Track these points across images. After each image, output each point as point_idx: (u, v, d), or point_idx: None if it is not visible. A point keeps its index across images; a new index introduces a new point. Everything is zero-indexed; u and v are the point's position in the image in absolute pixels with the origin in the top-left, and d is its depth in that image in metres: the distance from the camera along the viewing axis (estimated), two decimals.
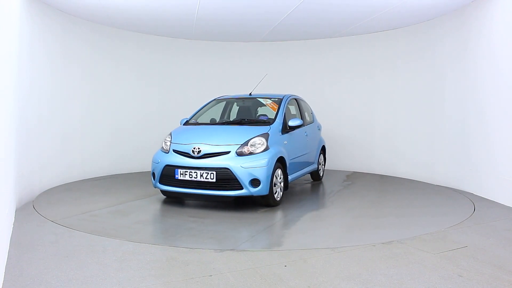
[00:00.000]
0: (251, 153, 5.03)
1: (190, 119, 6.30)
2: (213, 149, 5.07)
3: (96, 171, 7.61)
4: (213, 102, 6.73)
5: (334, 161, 8.75)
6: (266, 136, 5.24)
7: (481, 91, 6.01)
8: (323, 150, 7.49)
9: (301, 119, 6.49)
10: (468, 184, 6.37)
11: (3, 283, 2.84)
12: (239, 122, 5.98)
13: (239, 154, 5.01)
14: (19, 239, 3.87)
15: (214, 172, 4.93)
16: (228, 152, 5.02)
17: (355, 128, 8.62)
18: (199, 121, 6.26)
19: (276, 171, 5.23)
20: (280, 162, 5.40)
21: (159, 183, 5.35)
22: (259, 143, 5.12)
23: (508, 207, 5.33)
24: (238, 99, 6.69)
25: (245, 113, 6.48)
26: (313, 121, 7.17)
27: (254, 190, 4.92)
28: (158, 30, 8.13)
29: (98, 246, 3.68)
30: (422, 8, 6.53)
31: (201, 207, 5.38)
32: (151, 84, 8.57)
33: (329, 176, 7.94)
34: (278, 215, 4.97)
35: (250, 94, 6.64)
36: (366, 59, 8.43)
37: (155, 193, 6.11)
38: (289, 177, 5.71)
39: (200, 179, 4.99)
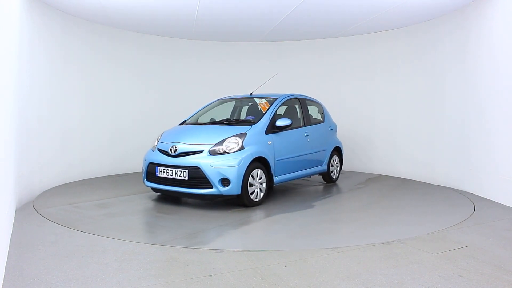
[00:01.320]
0: (225, 153, 5.08)
1: (188, 119, 6.39)
2: (188, 148, 5.21)
3: (96, 171, 7.62)
4: (216, 102, 6.74)
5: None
6: (242, 136, 5.26)
7: (481, 91, 6.01)
8: (337, 151, 7.30)
9: (303, 119, 6.47)
10: (468, 184, 6.37)
11: (3, 283, 2.84)
12: (226, 122, 5.99)
13: (212, 153, 5.09)
14: (19, 239, 3.86)
15: (187, 170, 5.06)
16: (201, 151, 5.12)
17: (356, 127, 8.62)
18: (199, 121, 6.30)
19: (255, 171, 5.24)
20: (262, 162, 5.40)
21: (146, 179, 5.58)
22: (234, 143, 5.17)
23: (508, 207, 5.33)
24: (237, 99, 6.70)
25: (253, 113, 6.48)
26: (323, 121, 7.04)
27: (224, 189, 4.97)
28: (158, 30, 8.13)
29: (98, 246, 3.68)
30: (422, 8, 6.53)
31: (181, 204, 5.53)
32: (150, 84, 8.57)
33: (349, 179, 7.67)
34: (245, 215, 4.91)
35: (251, 94, 6.65)
36: (366, 59, 8.43)
37: (148, 190, 6.20)
38: (277, 178, 5.67)
39: (175, 177, 5.16)
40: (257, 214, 5.04)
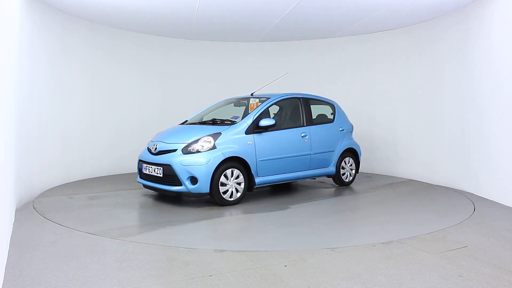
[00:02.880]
0: (198, 151, 5.21)
1: (190, 119, 6.45)
2: (166, 146, 5.45)
3: (96, 172, 7.62)
4: (222, 102, 6.75)
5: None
6: (216, 135, 5.36)
7: (481, 91, 6.01)
8: (352, 153, 6.95)
9: (303, 119, 6.32)
10: (468, 184, 6.37)
11: (3, 283, 2.84)
12: (211, 122, 6.04)
13: (185, 152, 5.25)
14: (19, 239, 3.87)
15: (161, 168, 5.31)
16: (175, 150, 5.31)
17: (357, 128, 8.61)
18: (200, 120, 6.31)
19: (229, 170, 5.29)
20: (242, 162, 5.43)
21: (139, 176, 5.89)
22: (207, 142, 5.30)
23: (508, 207, 5.33)
24: (238, 100, 6.70)
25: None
26: (332, 121, 6.80)
27: (191, 187, 5.11)
28: (158, 30, 8.13)
29: (98, 246, 3.68)
30: (422, 8, 6.53)
31: (164, 200, 5.75)
32: (151, 85, 8.57)
33: (369, 183, 7.24)
34: (208, 213, 4.99)
35: (252, 94, 6.65)
36: (366, 59, 8.43)
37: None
38: (261, 179, 5.64)
39: (153, 174, 5.45)
40: (222, 213, 5.05)
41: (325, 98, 7.00)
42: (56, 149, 6.65)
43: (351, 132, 7.11)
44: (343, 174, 6.86)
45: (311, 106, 6.64)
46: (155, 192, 6.01)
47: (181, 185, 5.16)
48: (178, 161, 5.18)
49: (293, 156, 6.06)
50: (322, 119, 6.77)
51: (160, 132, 6.12)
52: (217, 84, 9.03)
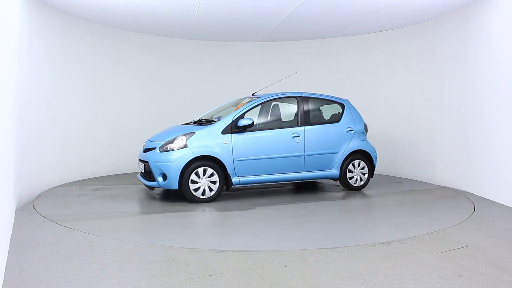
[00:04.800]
0: (173, 150, 5.48)
1: (195, 119, 6.47)
2: (150, 145, 5.84)
3: (95, 172, 7.62)
4: (232, 102, 6.72)
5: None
6: (189, 135, 5.57)
7: (481, 91, 6.01)
8: (365, 156, 6.53)
9: (298, 119, 6.15)
10: (468, 184, 6.37)
11: (3, 283, 2.84)
12: (199, 122, 6.19)
13: (161, 150, 5.56)
14: (19, 239, 3.87)
15: (143, 164, 5.78)
16: (154, 148, 5.67)
17: None
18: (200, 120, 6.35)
19: (201, 169, 5.45)
20: (217, 162, 5.55)
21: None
22: (181, 140, 5.52)
23: (508, 207, 5.33)
24: (237, 100, 6.71)
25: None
26: (338, 120, 6.45)
27: (163, 183, 5.47)
28: (158, 31, 8.13)
29: (98, 246, 3.68)
30: (423, 8, 6.53)
31: (152, 197, 6.04)
32: (151, 85, 8.56)
33: (389, 187, 6.82)
34: (170, 208, 5.24)
35: (253, 94, 6.64)
36: (366, 59, 8.43)
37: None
38: (240, 179, 5.67)
39: (141, 169, 5.94)
40: (187, 209, 5.19)
41: (332, 97, 6.65)
42: (56, 149, 6.65)
43: (364, 133, 6.61)
44: (351, 177, 6.43)
45: (315, 105, 6.45)
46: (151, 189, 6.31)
47: (155, 180, 5.51)
48: (153, 158, 5.54)
49: (280, 157, 5.89)
50: (326, 119, 6.49)
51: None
52: (218, 84, 9.02)
